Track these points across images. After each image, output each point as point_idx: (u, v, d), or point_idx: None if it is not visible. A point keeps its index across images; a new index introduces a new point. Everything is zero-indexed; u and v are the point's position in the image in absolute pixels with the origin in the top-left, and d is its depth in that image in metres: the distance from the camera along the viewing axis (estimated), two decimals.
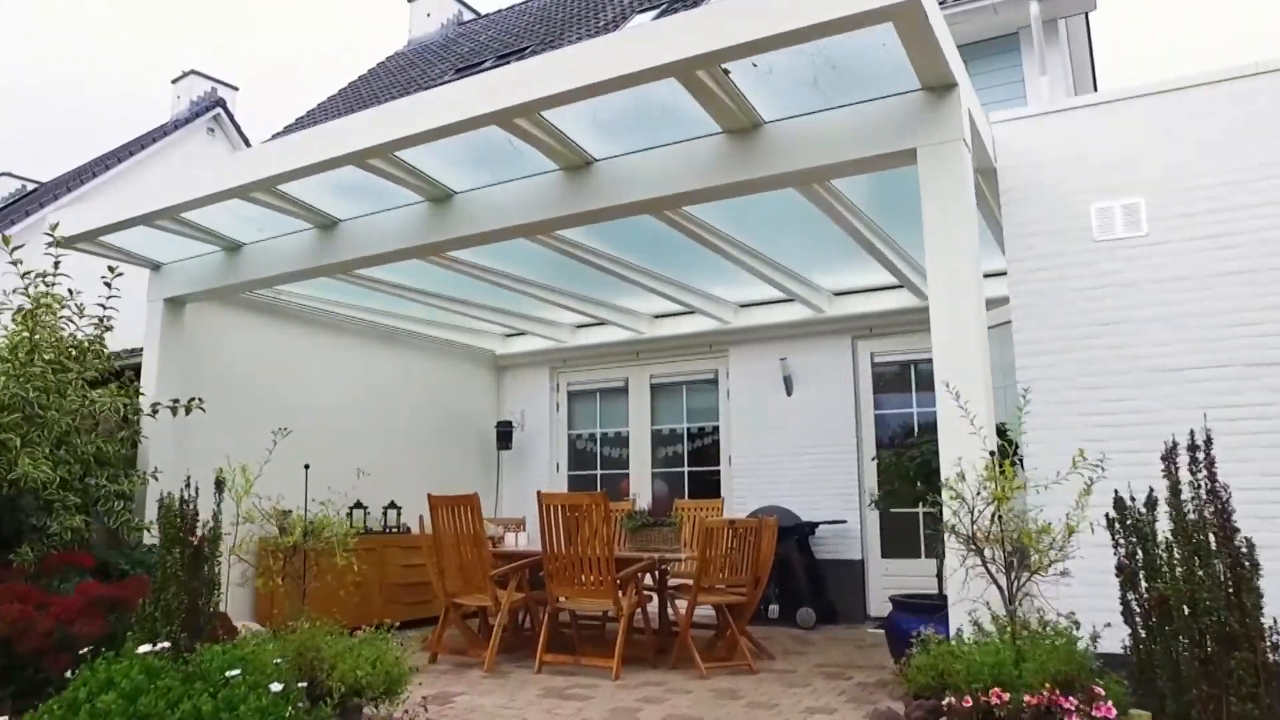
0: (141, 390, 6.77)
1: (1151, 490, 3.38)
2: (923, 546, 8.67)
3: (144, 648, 3.29)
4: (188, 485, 4.08)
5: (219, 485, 4.08)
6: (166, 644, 3.35)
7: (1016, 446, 3.88)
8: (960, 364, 4.25)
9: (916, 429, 8.89)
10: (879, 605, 8.73)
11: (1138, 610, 3.42)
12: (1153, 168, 5.13)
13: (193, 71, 19.41)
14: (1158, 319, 5.03)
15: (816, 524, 8.77)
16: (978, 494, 3.54)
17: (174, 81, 19.52)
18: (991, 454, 3.60)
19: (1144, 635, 3.37)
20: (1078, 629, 3.36)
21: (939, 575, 5.29)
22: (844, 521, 8.82)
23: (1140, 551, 3.47)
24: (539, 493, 6.19)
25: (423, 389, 10.05)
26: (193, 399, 6.51)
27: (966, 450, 3.81)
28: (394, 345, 9.78)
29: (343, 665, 3.74)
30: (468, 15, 18.54)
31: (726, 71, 4.40)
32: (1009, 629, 3.43)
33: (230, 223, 6.57)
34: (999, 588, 3.49)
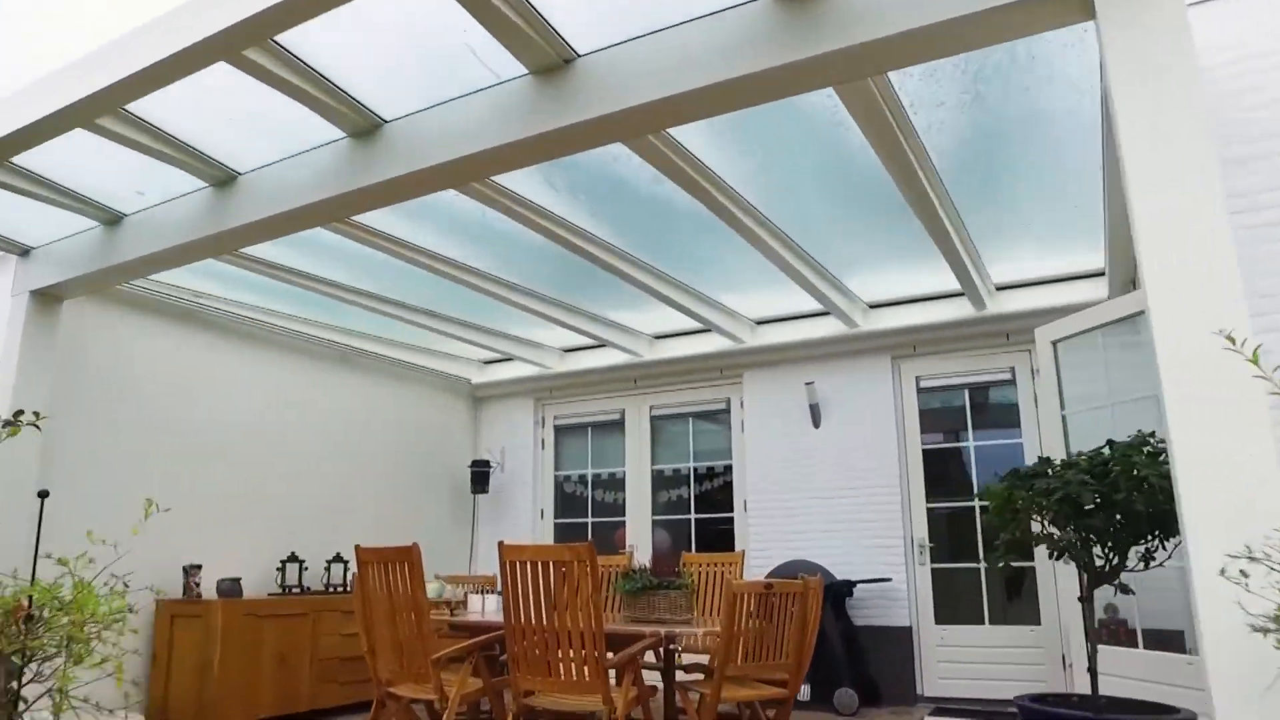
0: None
1: None
2: (987, 611, 6.69)
3: None
4: None
5: None
6: None
7: None
8: (1220, 299, 2.32)
9: (975, 467, 6.98)
10: (934, 683, 6.72)
11: None
12: None
13: None
14: None
15: (854, 583, 6.79)
16: None
17: None
18: None
19: None
20: None
21: (1092, 669, 3.33)
22: (888, 580, 6.85)
23: None
24: (501, 545, 4.24)
25: (385, 421, 8.09)
26: (19, 412, 4.56)
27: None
28: (352, 369, 7.85)
29: None
30: None
31: None
32: None
33: (103, 182, 4.73)
34: None
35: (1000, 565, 3.53)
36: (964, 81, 3.71)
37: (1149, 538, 3.26)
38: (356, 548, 4.76)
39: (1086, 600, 3.36)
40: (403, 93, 3.90)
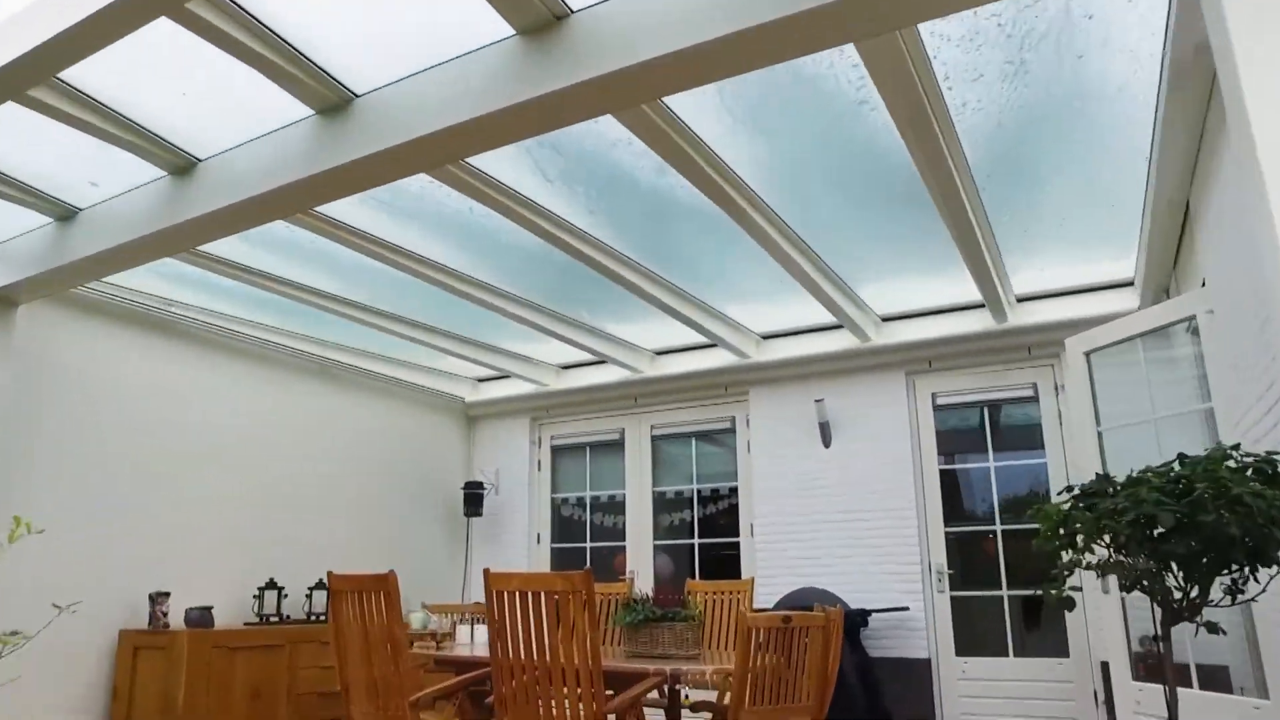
0: None
1: None
2: (1010, 643, 6.12)
3: None
4: None
5: None
6: None
7: None
8: None
9: (995, 488, 6.43)
10: (955, 719, 6.14)
11: None
12: None
13: None
14: None
15: (870, 612, 6.23)
16: None
17: None
18: None
19: None
20: None
21: (1172, 713, 2.79)
22: (905, 609, 6.28)
23: None
24: (487, 573, 3.69)
25: (372, 440, 7.54)
26: None
27: None
28: (337, 385, 7.31)
29: None
30: None
31: None
32: None
33: (53, 173, 4.24)
34: None
35: (1064, 598, 2.99)
36: (1009, 48, 3.22)
37: (1237, 566, 2.73)
38: (329, 575, 4.22)
39: (1164, 639, 2.82)
40: (376, 62, 3.40)
